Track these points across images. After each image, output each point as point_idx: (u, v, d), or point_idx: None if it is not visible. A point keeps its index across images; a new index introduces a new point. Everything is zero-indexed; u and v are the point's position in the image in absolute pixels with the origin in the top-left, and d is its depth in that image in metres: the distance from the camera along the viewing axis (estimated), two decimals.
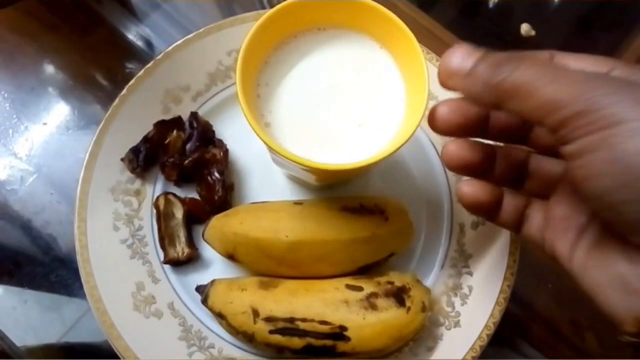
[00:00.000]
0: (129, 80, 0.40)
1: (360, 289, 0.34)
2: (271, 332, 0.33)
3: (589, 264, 0.24)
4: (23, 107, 0.46)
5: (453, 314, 0.38)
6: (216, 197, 0.38)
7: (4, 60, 0.48)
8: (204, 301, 0.35)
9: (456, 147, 0.28)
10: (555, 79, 0.21)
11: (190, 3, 0.51)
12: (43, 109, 0.46)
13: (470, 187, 0.29)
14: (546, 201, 0.28)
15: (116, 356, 0.35)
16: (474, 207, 0.29)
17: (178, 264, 0.38)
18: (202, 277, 0.38)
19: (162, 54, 0.41)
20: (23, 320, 0.41)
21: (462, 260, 0.40)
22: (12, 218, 0.43)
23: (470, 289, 0.39)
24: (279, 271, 0.36)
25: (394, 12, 0.31)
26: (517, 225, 0.29)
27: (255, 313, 0.33)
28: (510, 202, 0.29)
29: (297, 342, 0.33)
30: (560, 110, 0.21)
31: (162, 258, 0.38)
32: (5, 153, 0.45)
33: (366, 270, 0.36)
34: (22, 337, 0.41)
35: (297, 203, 0.37)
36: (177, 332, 0.36)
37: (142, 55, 0.50)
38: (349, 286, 0.34)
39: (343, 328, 0.33)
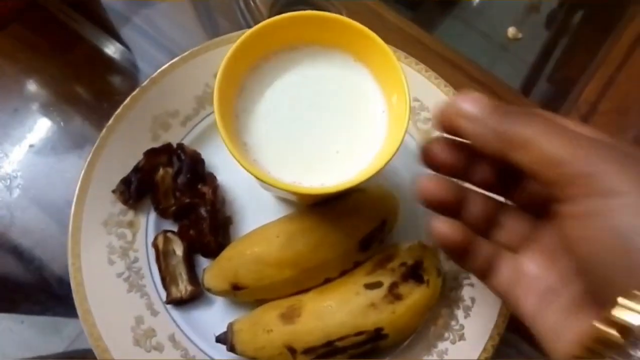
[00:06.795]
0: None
1: (379, 284, 0.34)
2: None
3: (563, 326, 0.24)
4: (6, 129, 0.45)
5: (457, 327, 0.38)
6: (206, 241, 0.37)
7: None
8: (232, 349, 0.35)
9: (433, 185, 0.28)
10: (562, 136, 0.22)
11: (170, 20, 0.50)
12: (28, 130, 0.45)
13: (445, 226, 0.28)
14: (515, 255, 0.28)
15: None
16: (446, 246, 0.28)
17: (181, 303, 0.37)
18: (202, 307, 0.38)
19: (147, 80, 0.40)
20: (19, 339, 0.41)
21: (462, 270, 0.40)
22: (1, 242, 0.42)
23: (473, 300, 0.39)
24: (284, 277, 0.35)
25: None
26: (484, 274, 0.28)
27: (292, 350, 0.33)
28: (480, 249, 0.28)
29: (340, 359, 0.34)
30: (560, 167, 0.21)
31: (160, 289, 0.37)
32: None
33: (369, 245, 0.36)
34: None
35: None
36: None
37: (124, 69, 0.48)
38: (368, 285, 0.34)
39: (378, 330, 0.33)
